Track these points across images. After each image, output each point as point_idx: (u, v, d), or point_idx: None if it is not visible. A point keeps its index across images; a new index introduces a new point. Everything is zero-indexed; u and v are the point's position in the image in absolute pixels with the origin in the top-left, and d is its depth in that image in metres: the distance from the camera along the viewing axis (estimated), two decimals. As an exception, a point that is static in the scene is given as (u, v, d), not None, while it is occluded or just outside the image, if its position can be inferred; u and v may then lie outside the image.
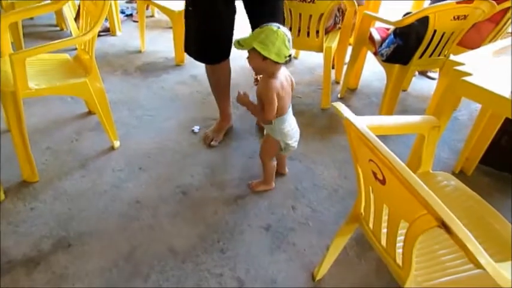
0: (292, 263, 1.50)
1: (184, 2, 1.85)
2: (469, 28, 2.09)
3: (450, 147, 2.18)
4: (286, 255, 1.53)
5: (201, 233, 1.61)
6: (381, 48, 2.27)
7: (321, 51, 2.35)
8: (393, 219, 0.91)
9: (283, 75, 1.56)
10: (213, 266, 1.47)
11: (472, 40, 2.31)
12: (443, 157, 2.10)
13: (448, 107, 1.37)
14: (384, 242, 1.03)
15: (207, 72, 2.03)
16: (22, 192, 1.76)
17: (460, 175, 1.98)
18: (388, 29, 2.38)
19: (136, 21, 3.62)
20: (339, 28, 2.52)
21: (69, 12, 3.15)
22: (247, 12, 1.85)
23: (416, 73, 2.98)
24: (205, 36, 1.84)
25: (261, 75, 1.58)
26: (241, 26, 1.92)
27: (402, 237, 0.88)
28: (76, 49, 2.02)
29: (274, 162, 1.80)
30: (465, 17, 1.97)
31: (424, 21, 1.98)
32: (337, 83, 2.86)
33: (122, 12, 3.98)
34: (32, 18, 3.57)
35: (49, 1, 2.42)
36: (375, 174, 0.88)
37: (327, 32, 2.44)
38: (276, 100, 1.53)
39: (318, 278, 1.42)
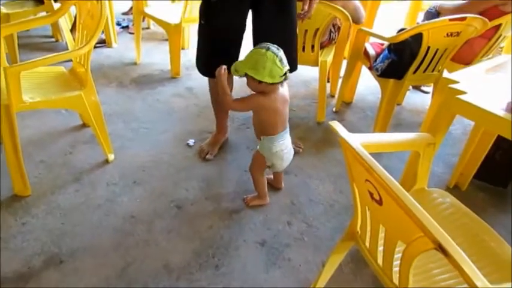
0: (287, 279, 1.49)
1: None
2: (462, 44, 2.12)
3: (444, 162, 2.19)
4: (281, 272, 1.52)
5: (196, 249, 1.59)
6: (376, 63, 2.30)
7: (316, 65, 2.37)
8: (390, 239, 0.91)
9: (280, 95, 1.57)
10: (207, 284, 1.45)
11: (464, 55, 2.34)
12: (438, 172, 2.11)
13: (443, 124, 1.38)
14: (380, 261, 1.03)
15: (209, 84, 2.04)
16: (13, 207, 1.73)
17: (455, 190, 1.99)
18: (382, 44, 2.41)
19: (132, 33, 3.63)
20: (334, 43, 2.55)
21: (65, 23, 3.15)
22: (254, 32, 1.85)
23: (410, 87, 3.01)
24: (214, 51, 1.84)
25: None
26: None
27: (399, 255, 0.88)
28: (71, 61, 2.02)
29: (265, 178, 1.80)
30: (458, 33, 2.00)
31: (417, 38, 2.01)
32: (332, 96, 2.88)
33: (118, 24, 3.99)
34: (27, 30, 3.57)
35: (45, 14, 2.43)
36: (371, 194, 0.88)
37: (322, 46, 2.46)
38: (251, 108, 1.60)
39: (313, 295, 1.41)
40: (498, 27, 2.22)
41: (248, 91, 1.58)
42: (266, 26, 1.79)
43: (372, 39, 2.51)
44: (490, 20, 2.07)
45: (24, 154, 1.76)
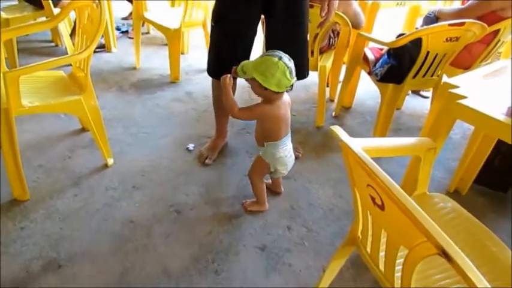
0: (287, 285, 1.48)
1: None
2: (461, 49, 2.13)
3: (444, 166, 2.18)
4: (282, 277, 1.51)
5: (195, 254, 1.58)
6: (375, 68, 2.30)
7: (316, 70, 2.37)
8: (392, 244, 0.90)
9: (284, 101, 1.58)
10: (207, 289, 1.44)
11: (463, 60, 2.35)
12: (438, 176, 2.11)
13: (444, 129, 1.38)
14: (382, 266, 1.02)
15: (212, 86, 2.03)
16: (12, 211, 1.72)
17: (455, 195, 1.99)
18: (381, 49, 2.42)
19: (132, 38, 3.64)
20: (333, 48, 2.55)
21: (64, 28, 3.15)
22: (267, 36, 1.87)
23: (410, 92, 3.01)
24: (223, 53, 1.85)
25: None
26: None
27: (401, 260, 0.87)
28: (71, 65, 2.02)
29: (264, 185, 1.79)
30: (457, 38, 2.01)
31: (417, 43, 2.01)
32: (332, 101, 2.89)
33: (118, 29, 4.00)
34: (26, 34, 3.57)
35: (45, 19, 2.43)
36: (373, 199, 0.88)
37: (321, 52, 2.47)
38: (256, 117, 1.60)
39: (314, 300, 1.40)
40: (497, 32, 2.23)
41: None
42: (278, 34, 1.81)
43: (372, 44, 2.52)
44: (489, 25, 2.08)
45: (23, 158, 1.75)
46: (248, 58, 1.84)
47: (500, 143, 1.83)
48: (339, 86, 2.71)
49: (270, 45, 1.82)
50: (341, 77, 2.71)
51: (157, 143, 2.27)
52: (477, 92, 1.37)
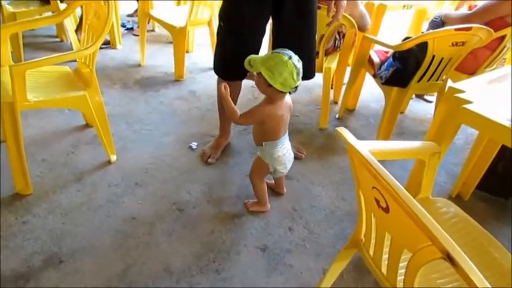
0: (288, 286, 1.48)
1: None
2: (466, 54, 2.13)
3: (447, 171, 2.18)
4: (282, 278, 1.51)
5: (196, 252, 1.58)
6: (380, 70, 2.30)
7: (320, 71, 2.37)
8: (396, 247, 0.90)
9: (285, 102, 1.57)
10: None
11: (468, 66, 2.35)
12: (440, 181, 2.10)
13: (449, 133, 1.38)
14: (384, 269, 1.02)
15: (218, 86, 2.02)
16: (14, 205, 1.73)
17: (457, 199, 1.99)
18: (387, 52, 2.42)
19: (137, 35, 3.64)
20: (339, 50, 2.55)
21: (70, 24, 3.16)
22: (274, 36, 1.87)
23: (414, 96, 3.01)
24: (230, 53, 1.85)
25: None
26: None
27: (404, 264, 0.87)
28: (76, 61, 2.02)
29: (265, 185, 1.79)
30: (463, 43, 2.01)
31: (423, 47, 2.01)
32: (335, 103, 2.88)
33: (123, 25, 4.01)
34: (32, 29, 3.58)
35: (51, 14, 2.43)
36: (377, 201, 0.88)
37: (326, 53, 2.47)
38: (259, 120, 1.57)
39: (314, 302, 1.40)
40: (503, 38, 2.23)
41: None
42: (286, 36, 1.81)
43: (377, 47, 2.52)
44: (495, 31, 2.08)
45: (27, 153, 1.75)
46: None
47: (504, 149, 1.82)
48: (343, 88, 2.71)
49: (276, 45, 1.82)
50: (345, 79, 2.72)
51: (161, 141, 2.28)
52: (482, 97, 1.36)
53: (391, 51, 2.30)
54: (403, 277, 0.90)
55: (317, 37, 2.23)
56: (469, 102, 1.30)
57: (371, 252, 1.08)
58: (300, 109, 2.73)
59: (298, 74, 1.42)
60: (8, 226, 1.62)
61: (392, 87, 2.24)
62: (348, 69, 2.67)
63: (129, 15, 4.33)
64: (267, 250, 1.62)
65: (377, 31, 2.76)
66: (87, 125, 2.32)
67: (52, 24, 3.29)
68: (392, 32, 3.61)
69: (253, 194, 1.83)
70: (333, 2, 1.74)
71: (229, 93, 1.51)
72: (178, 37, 2.91)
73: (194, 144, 2.24)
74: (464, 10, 2.60)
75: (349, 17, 2.17)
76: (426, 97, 3.08)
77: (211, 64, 2.03)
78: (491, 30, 2.01)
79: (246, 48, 1.80)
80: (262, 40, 1.86)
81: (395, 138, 2.45)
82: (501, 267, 1.12)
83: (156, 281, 1.45)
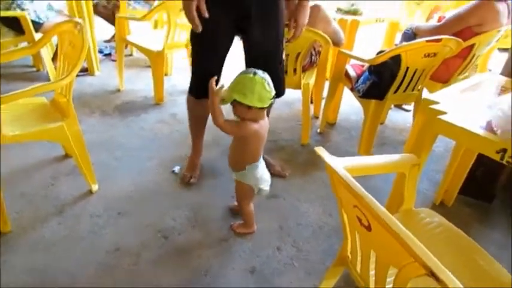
0: (279, 307, 1.46)
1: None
2: (439, 64, 2.19)
3: (428, 179, 2.22)
4: (273, 300, 1.49)
5: (184, 279, 1.55)
6: (357, 84, 2.34)
7: (299, 88, 2.40)
8: (381, 264, 0.90)
9: (265, 122, 1.58)
10: (197, 316, 1.41)
11: (442, 74, 2.42)
12: (423, 188, 2.13)
13: (427, 144, 1.40)
14: (372, 285, 1.02)
15: (188, 104, 2.02)
16: (-7, 244, 1.67)
17: (441, 206, 2.01)
18: (363, 66, 2.47)
19: (115, 61, 3.63)
20: (315, 66, 2.59)
21: (46, 53, 3.13)
22: (246, 52, 1.87)
23: (392, 106, 3.07)
24: (197, 71, 1.86)
25: None
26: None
27: (392, 279, 0.87)
28: (54, 90, 1.99)
29: (252, 207, 1.77)
30: (435, 54, 2.07)
31: (396, 59, 2.06)
32: (316, 117, 2.91)
33: (100, 51, 3.99)
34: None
35: (26, 44, 2.40)
36: (360, 219, 0.88)
37: (304, 70, 2.50)
38: (242, 134, 1.53)
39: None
40: (472, 46, 2.30)
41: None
42: (254, 52, 1.82)
43: (353, 61, 2.57)
44: (464, 40, 2.15)
45: (4, 187, 1.70)
46: (220, 73, 1.85)
47: (481, 155, 1.85)
48: (323, 102, 2.75)
49: (246, 62, 1.85)
50: (324, 93, 2.75)
51: (143, 166, 2.25)
52: (456, 107, 1.40)
53: (366, 64, 2.35)
54: (391, 293, 0.89)
55: (294, 55, 2.28)
56: (444, 112, 1.33)
57: (358, 269, 1.08)
58: (281, 125, 2.75)
59: (268, 84, 1.43)
60: (-14, 267, 1.56)
61: (370, 100, 2.28)
62: (327, 84, 2.71)
63: (106, 41, 4.32)
64: (255, 272, 1.60)
65: (352, 45, 2.82)
66: (66, 155, 2.28)
67: (28, 55, 3.25)
68: (368, 44, 3.70)
69: (238, 215, 1.81)
70: (292, 19, 1.78)
71: (214, 96, 1.48)
72: (156, 61, 2.92)
73: (177, 168, 2.22)
74: (434, 22, 2.69)
75: (323, 34, 2.22)
76: (404, 106, 3.14)
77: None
78: (461, 40, 2.08)
79: (213, 62, 1.81)
80: (226, 56, 1.86)
81: (377, 149, 2.48)
82: (487, 274, 1.12)
83: (143, 313, 1.41)
